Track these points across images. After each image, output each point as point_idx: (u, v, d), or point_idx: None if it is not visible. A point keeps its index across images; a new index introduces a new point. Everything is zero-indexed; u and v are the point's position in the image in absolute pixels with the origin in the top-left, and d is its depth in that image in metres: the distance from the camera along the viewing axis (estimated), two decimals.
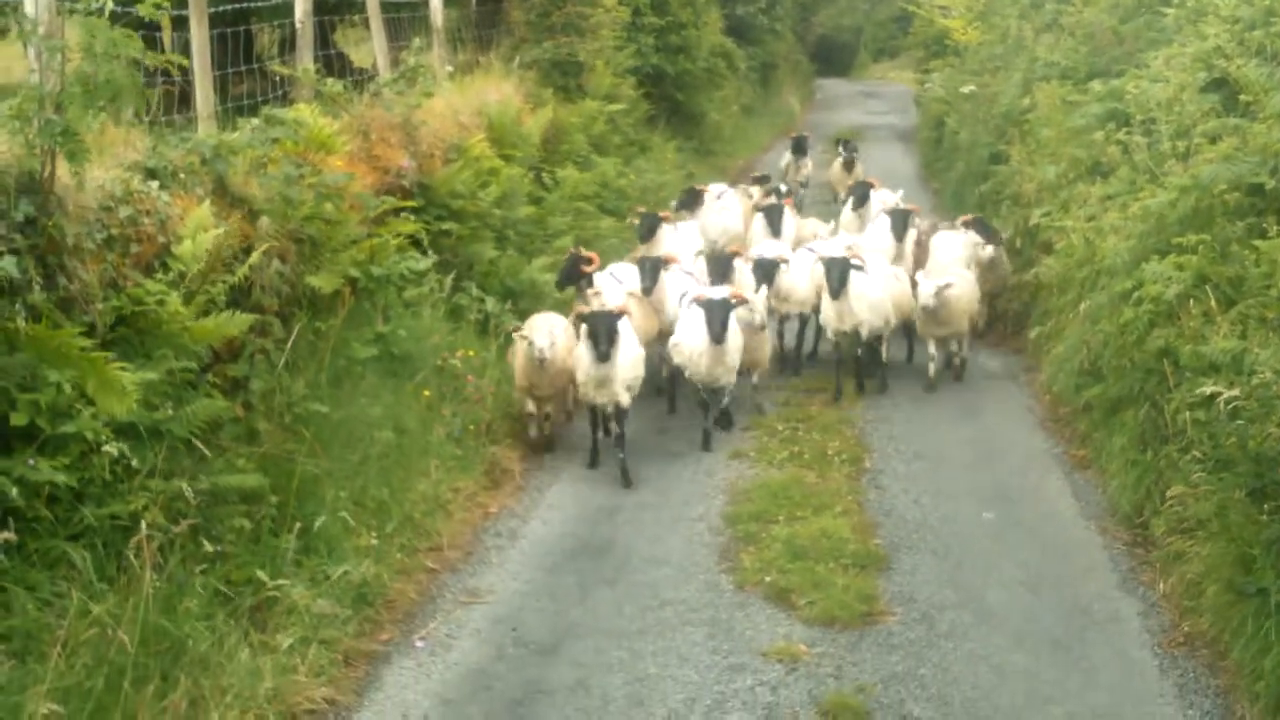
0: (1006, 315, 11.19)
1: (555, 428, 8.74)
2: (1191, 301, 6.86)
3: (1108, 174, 9.56)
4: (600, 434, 8.29)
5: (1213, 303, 6.69)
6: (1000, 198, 12.63)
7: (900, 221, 10.76)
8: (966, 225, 10.85)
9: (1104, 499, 7.47)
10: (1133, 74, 10.18)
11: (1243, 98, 7.78)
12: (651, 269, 9.45)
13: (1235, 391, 5.72)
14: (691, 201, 12.22)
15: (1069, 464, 8.17)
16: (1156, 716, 5.29)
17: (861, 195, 12.42)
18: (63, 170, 5.28)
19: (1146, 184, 8.49)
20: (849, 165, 15.98)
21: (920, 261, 10.73)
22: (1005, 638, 5.94)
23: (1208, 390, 5.88)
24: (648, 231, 10.60)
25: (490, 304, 9.25)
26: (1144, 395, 7.24)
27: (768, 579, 6.54)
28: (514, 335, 8.36)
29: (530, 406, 8.45)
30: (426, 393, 7.87)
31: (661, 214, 10.89)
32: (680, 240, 10.69)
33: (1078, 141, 10.39)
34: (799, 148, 17.13)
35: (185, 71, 8.05)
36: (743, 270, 9.70)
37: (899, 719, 5.27)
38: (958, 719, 5.27)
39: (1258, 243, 6.58)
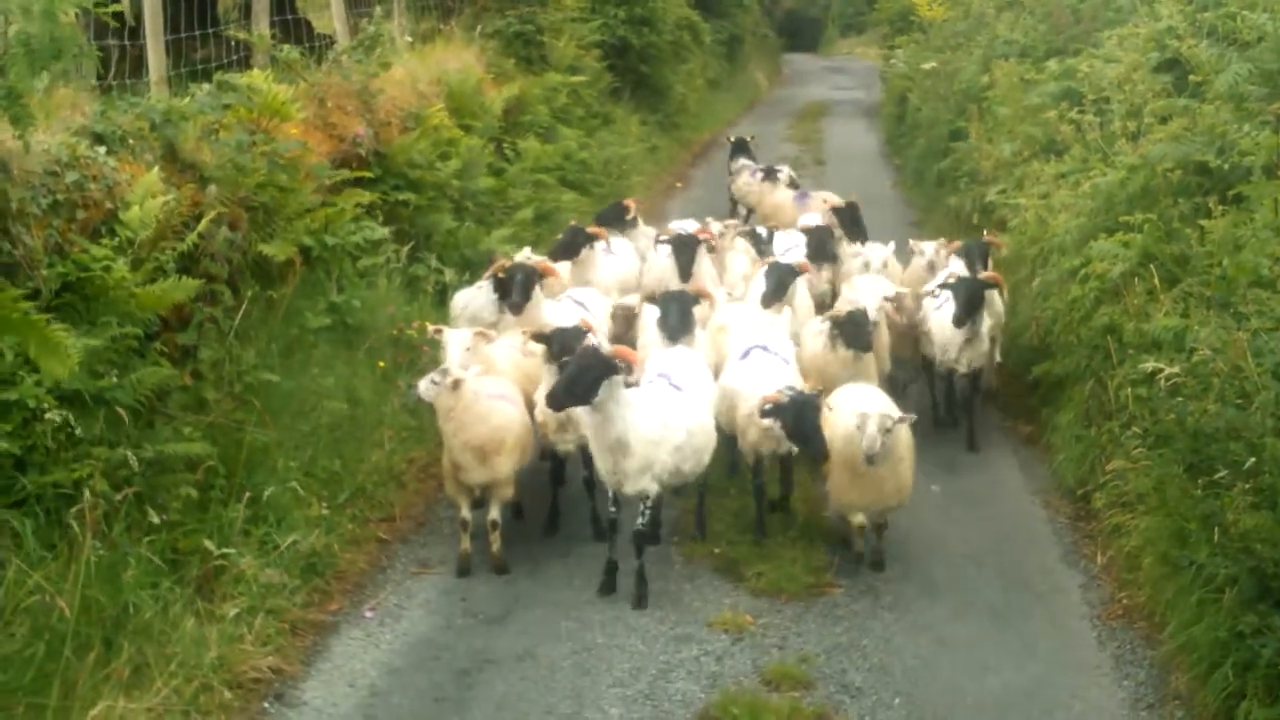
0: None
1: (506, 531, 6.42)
2: (1136, 279, 6.97)
3: (1061, 152, 9.65)
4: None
5: (1156, 281, 6.79)
6: (959, 174, 12.72)
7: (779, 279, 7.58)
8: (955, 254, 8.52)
9: (1049, 473, 7.59)
10: (1087, 53, 10.28)
11: (1193, 78, 7.89)
12: (523, 282, 7.14)
13: (1175, 369, 5.83)
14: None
15: (1017, 439, 8.28)
16: (1093, 687, 5.40)
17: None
18: (6, 134, 5.21)
19: (1098, 163, 8.60)
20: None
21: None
22: (948, 609, 6.04)
23: (1149, 367, 5.99)
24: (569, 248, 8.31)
25: (449, 275, 9.20)
26: (1089, 372, 7.36)
27: (716, 551, 6.61)
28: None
29: (465, 511, 6.29)
30: (381, 364, 7.84)
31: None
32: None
33: (1033, 119, 10.48)
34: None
35: (139, 34, 7.94)
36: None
37: (840, 687, 5.36)
38: (898, 687, 5.37)
39: (1202, 222, 6.69)
